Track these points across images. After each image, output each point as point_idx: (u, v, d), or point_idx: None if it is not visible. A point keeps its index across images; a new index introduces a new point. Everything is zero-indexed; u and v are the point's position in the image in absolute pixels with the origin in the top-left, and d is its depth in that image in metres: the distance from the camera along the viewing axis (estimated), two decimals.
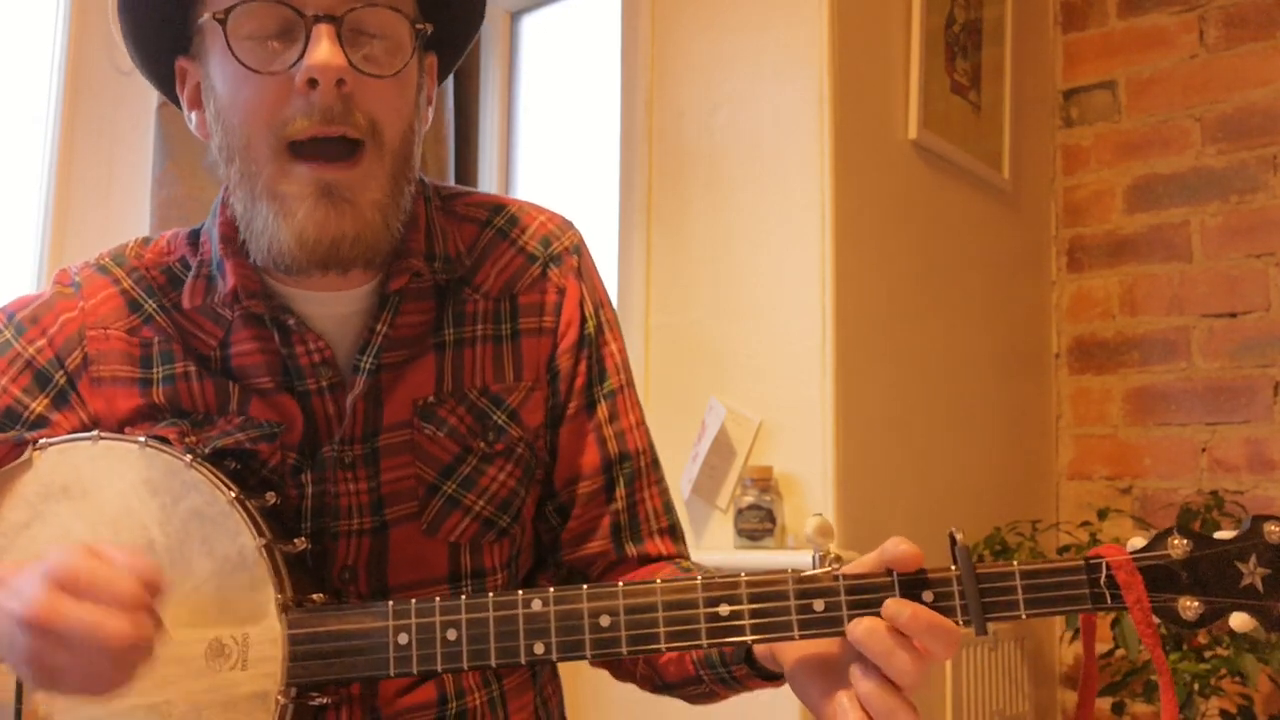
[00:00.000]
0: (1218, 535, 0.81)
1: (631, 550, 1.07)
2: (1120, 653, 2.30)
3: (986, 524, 2.50)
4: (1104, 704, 2.38)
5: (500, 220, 1.07)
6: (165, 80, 1.03)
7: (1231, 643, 2.19)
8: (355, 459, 0.99)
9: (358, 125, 0.91)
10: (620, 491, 1.07)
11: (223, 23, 0.91)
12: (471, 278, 1.04)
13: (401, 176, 0.96)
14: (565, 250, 1.07)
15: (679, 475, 2.21)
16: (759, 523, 2.07)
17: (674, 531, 1.10)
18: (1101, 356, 2.87)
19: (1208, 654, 2.22)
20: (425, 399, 1.00)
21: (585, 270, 1.09)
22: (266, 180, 0.92)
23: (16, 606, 0.80)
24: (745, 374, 2.22)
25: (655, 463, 1.11)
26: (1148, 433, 2.78)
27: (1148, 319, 2.81)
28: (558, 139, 2.80)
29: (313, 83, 0.89)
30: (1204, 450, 2.70)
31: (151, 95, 2.10)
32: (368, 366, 0.98)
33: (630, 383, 1.11)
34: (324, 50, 0.89)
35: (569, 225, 1.10)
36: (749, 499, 2.08)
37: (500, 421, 1.03)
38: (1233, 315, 2.69)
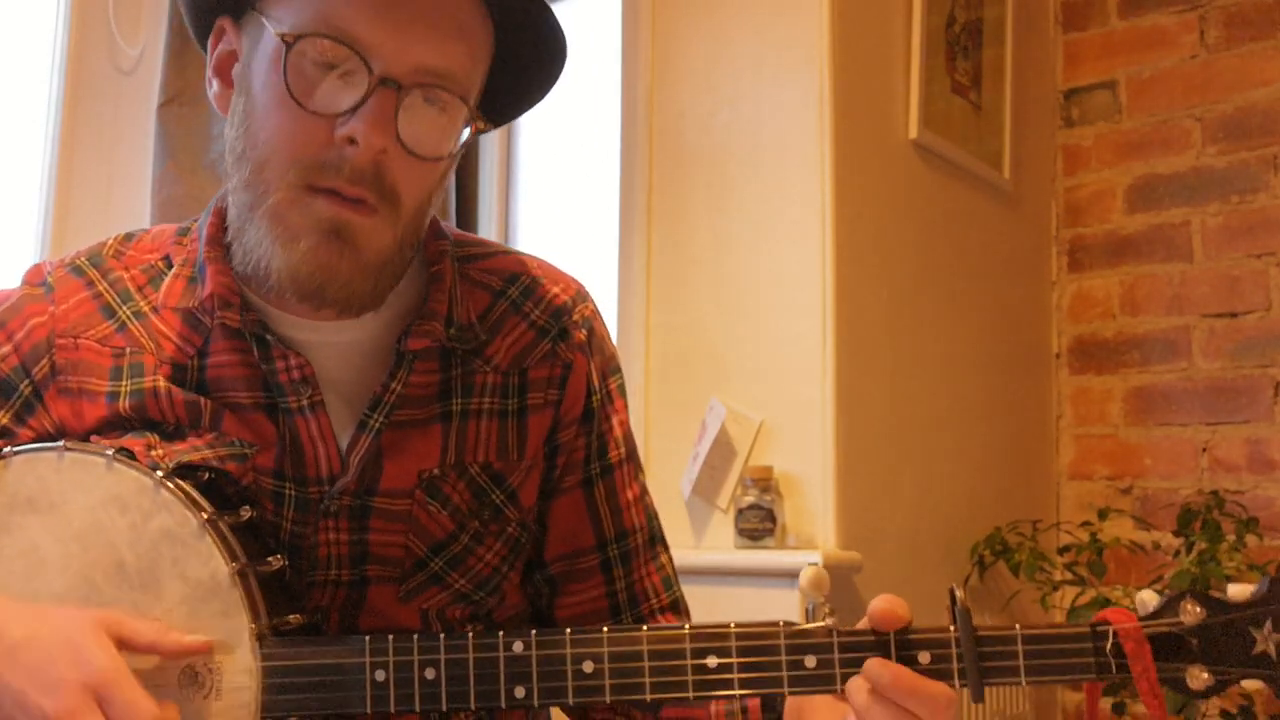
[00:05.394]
0: (1233, 596, 0.79)
1: None
2: None
3: (986, 524, 2.50)
4: (1104, 704, 2.38)
5: (514, 291, 1.04)
6: (202, 28, 0.99)
7: None
8: (341, 509, 0.95)
9: (380, 192, 0.89)
10: (618, 571, 1.06)
11: (289, 46, 0.87)
12: (483, 350, 1.01)
13: (409, 241, 0.94)
14: (574, 324, 1.05)
15: (679, 475, 2.21)
16: (759, 522, 2.07)
17: (677, 607, 1.09)
18: (1102, 356, 2.87)
19: None
20: (430, 471, 0.97)
21: (595, 342, 1.06)
22: (275, 203, 0.89)
23: (46, 704, 0.80)
24: (745, 374, 2.22)
25: (655, 538, 1.09)
26: (1148, 433, 2.78)
27: (1148, 319, 2.81)
28: (558, 139, 2.80)
29: (353, 142, 0.87)
30: (1204, 450, 2.70)
31: (152, 95, 2.10)
32: (377, 426, 0.95)
33: (631, 455, 1.09)
34: (375, 119, 0.86)
35: (582, 296, 1.08)
36: (749, 499, 2.08)
37: (498, 501, 1.00)
38: (1233, 315, 2.69)
